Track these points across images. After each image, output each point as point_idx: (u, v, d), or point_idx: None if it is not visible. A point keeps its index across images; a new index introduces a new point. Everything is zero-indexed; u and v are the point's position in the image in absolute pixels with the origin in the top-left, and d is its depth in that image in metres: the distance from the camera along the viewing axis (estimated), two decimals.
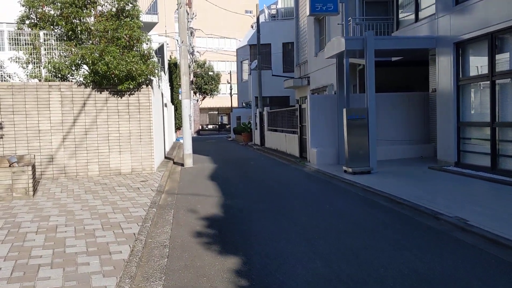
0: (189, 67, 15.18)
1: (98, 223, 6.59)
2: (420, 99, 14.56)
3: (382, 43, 11.47)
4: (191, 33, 37.24)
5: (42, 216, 7.12)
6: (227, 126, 53.23)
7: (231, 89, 53.81)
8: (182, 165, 15.21)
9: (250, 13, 67.04)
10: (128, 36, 11.87)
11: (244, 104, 38.35)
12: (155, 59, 12.77)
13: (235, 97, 54.27)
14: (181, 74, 14.89)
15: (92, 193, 9.39)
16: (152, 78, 12.66)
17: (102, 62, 11.29)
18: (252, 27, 29.92)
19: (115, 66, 11.29)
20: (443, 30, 11.31)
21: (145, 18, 21.61)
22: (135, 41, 11.99)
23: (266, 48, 28.58)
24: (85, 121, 12.08)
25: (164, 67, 27.76)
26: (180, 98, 31.42)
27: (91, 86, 12.08)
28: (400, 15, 13.96)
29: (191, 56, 37.52)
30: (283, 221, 6.66)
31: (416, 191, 8.50)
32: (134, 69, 11.55)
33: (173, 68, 37.67)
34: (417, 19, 12.83)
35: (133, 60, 11.61)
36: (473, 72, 10.58)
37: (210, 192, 9.51)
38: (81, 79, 12.02)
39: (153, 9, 27.82)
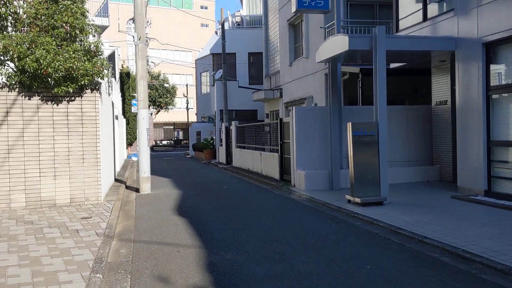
0: (148, 68, 12.56)
1: None
2: (422, 114, 12.50)
3: (395, 43, 9.28)
4: (146, 41, 34.27)
5: None
6: (184, 142, 50.10)
7: (187, 103, 50.86)
8: (137, 190, 12.30)
9: (207, 27, 64.85)
10: (68, 24, 9.01)
11: (202, 118, 35.59)
12: (105, 56, 9.96)
13: (191, 111, 51.33)
14: (138, 78, 12.09)
15: (9, 240, 6.42)
16: (100, 80, 9.81)
17: (31, 57, 8.37)
18: (216, 33, 27.45)
19: (49, 62, 8.39)
20: (466, 29, 9.29)
21: (95, 21, 18.66)
22: (77, 32, 9.14)
23: (230, 58, 26.15)
24: (7, 135, 9.03)
25: (115, 76, 24.73)
26: (133, 110, 28.33)
27: (17, 89, 9.08)
28: (401, 14, 11.91)
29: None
30: None
31: (470, 236, 6.19)
32: (75, 67, 8.69)
33: (125, 78, 34.42)
34: (425, 18, 10.80)
35: (74, 55, 8.76)
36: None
37: (181, 238, 6.76)
38: (4, 79, 9.00)
39: (103, 11, 24.83)
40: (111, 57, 26.72)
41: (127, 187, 13.13)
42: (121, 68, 34.35)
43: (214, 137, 25.98)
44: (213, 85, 27.44)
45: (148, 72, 41.61)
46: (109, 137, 12.92)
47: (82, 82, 9.08)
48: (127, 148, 30.80)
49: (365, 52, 9.68)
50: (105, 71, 9.54)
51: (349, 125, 8.95)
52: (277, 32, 20.35)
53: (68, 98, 9.44)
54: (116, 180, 14.55)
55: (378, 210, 8.22)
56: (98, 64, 9.23)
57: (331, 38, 9.95)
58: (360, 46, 9.14)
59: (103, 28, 23.23)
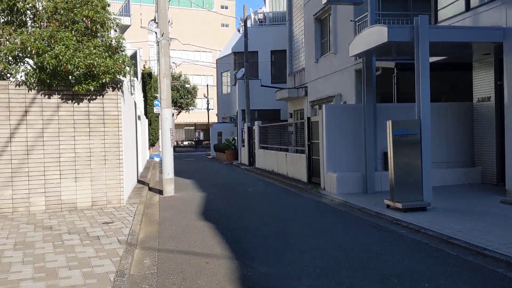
0: (170, 68, 12.03)
1: None
2: (462, 111, 11.68)
3: (438, 33, 8.53)
4: (168, 38, 33.89)
5: None
6: (205, 143, 49.82)
7: (208, 103, 50.58)
8: (160, 192, 11.84)
9: (227, 26, 64.51)
10: (88, 18, 8.57)
11: (223, 119, 35.15)
12: (126, 52, 9.49)
13: (211, 112, 51.01)
14: (160, 76, 11.62)
15: (25, 248, 5.96)
16: (121, 78, 9.35)
17: (50, 53, 7.94)
18: (238, 31, 26.92)
19: (69, 59, 7.95)
20: None
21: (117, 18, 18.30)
22: (98, 26, 8.69)
23: (252, 57, 25.57)
24: (26, 135, 8.64)
25: (137, 76, 24.46)
26: (155, 111, 28.06)
27: (36, 87, 8.67)
28: (440, 5, 11.14)
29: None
30: None
31: None
32: (96, 64, 8.23)
33: (147, 79, 34.27)
34: (468, 7, 10.02)
35: (95, 51, 8.30)
36: None
37: (209, 247, 6.19)
38: (23, 77, 8.60)
39: (125, 10, 24.59)
40: (133, 57, 26.49)
41: (150, 189, 12.69)
42: (143, 69, 34.21)
43: (236, 138, 25.46)
44: (235, 84, 26.93)
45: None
46: (132, 138, 12.50)
47: (103, 80, 8.63)
48: (149, 148, 30.59)
49: (403, 45, 8.99)
50: (127, 68, 9.09)
51: (389, 123, 8.26)
52: (302, 28, 19.69)
53: (89, 97, 9.00)
54: (139, 181, 14.15)
55: (423, 217, 7.51)
56: (120, 61, 8.77)
57: (367, 29, 9.27)
58: (400, 37, 8.42)
59: (125, 27, 23.00)
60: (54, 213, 8.58)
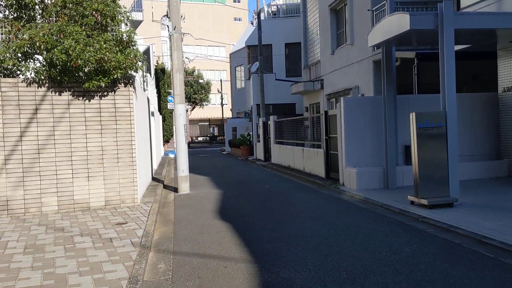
0: (183, 63, 11.77)
1: None
2: (486, 102, 11.17)
3: (464, 20, 8.05)
4: (181, 33, 33.58)
5: None
6: (219, 138, 49.65)
7: (222, 99, 50.33)
8: (175, 190, 11.59)
9: (240, 20, 64.05)
10: (98, 12, 8.29)
11: (238, 114, 34.83)
12: (138, 47, 9.21)
13: (225, 107, 50.79)
14: (173, 71, 11.32)
15: (35, 251, 5.73)
16: (133, 73, 9.08)
17: (60, 47, 7.69)
18: (252, 23, 26.52)
19: (78, 53, 7.69)
20: None
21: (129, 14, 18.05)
22: (108, 20, 8.40)
23: (266, 50, 25.17)
24: (37, 134, 8.43)
25: (150, 72, 24.26)
26: (169, 107, 27.88)
27: (46, 84, 8.46)
28: None
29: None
30: None
31: None
32: (106, 58, 7.96)
33: (160, 75, 34.12)
34: None
35: (105, 46, 8.03)
36: None
37: (227, 249, 5.88)
38: (33, 74, 8.38)
39: (137, 6, 24.40)
40: (146, 53, 26.30)
41: (165, 187, 12.46)
42: (156, 64, 34.03)
43: (251, 133, 25.14)
44: (249, 79, 26.59)
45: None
46: (145, 134, 12.27)
47: (115, 76, 8.36)
48: (164, 145, 30.46)
49: (425, 33, 8.52)
50: (139, 63, 8.80)
51: (413, 115, 7.84)
52: (317, 19, 19.23)
53: (100, 93, 8.76)
54: (153, 179, 13.93)
55: (450, 214, 7.10)
56: (131, 56, 8.49)
57: (387, 17, 8.83)
58: (423, 25, 7.97)
59: (137, 22, 22.80)
60: (66, 213, 8.38)
